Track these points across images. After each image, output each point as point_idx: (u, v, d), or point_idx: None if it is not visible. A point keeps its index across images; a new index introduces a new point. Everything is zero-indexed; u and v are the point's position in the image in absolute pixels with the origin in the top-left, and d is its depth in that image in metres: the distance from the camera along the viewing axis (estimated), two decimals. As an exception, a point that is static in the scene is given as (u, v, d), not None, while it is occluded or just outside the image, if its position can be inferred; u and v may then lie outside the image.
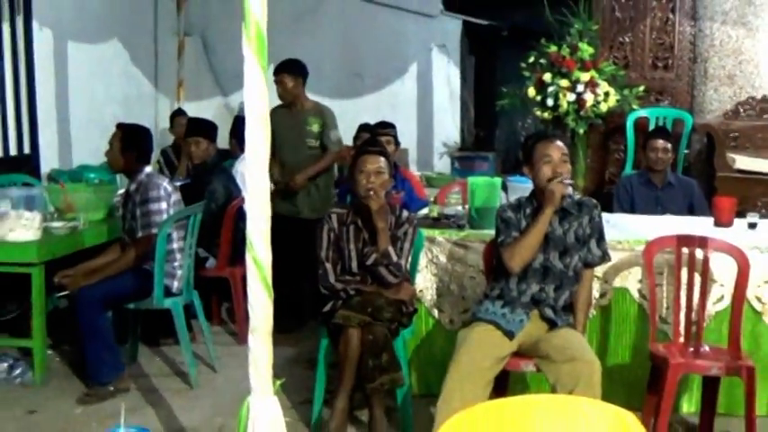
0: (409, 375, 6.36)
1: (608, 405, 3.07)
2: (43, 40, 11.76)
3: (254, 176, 4.17)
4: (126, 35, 13.69)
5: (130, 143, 7.37)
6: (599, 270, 6.20)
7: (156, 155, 12.31)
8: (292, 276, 8.33)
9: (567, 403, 3.29)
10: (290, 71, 8.81)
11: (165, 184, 7.40)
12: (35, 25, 11.51)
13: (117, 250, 7.45)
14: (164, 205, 7.22)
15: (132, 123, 7.74)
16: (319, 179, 9.12)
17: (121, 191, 7.83)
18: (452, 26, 15.01)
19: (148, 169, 7.37)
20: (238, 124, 10.08)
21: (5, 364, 7.39)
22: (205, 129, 9.12)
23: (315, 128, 8.98)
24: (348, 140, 10.57)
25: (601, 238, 5.81)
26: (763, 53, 10.22)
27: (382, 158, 6.35)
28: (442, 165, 14.59)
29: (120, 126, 7.57)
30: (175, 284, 7.32)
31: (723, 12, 10.23)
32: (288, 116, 8.92)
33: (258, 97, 4.12)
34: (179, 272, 7.33)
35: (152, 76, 14.44)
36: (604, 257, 5.89)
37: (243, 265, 4.39)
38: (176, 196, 7.47)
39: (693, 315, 6.05)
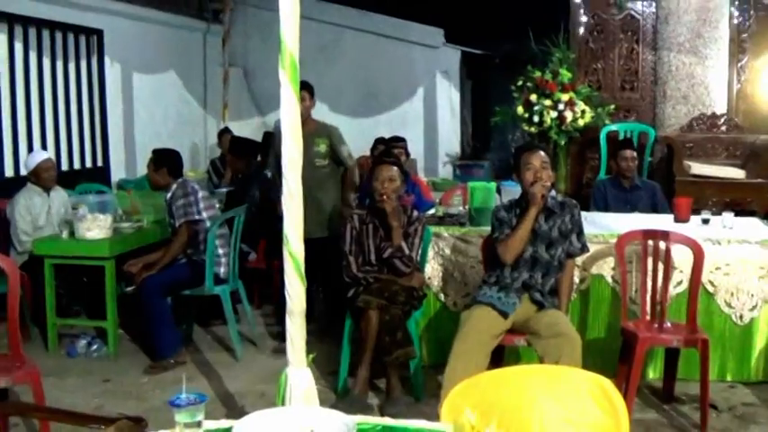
0: (420, 349, 6.34)
1: (588, 373, 3.05)
2: (113, 72, 11.87)
3: (289, 183, 4.15)
4: (180, 67, 13.76)
5: (161, 162, 7.43)
6: (579, 260, 6.17)
7: (206, 165, 12.38)
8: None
9: (555, 371, 3.28)
10: (309, 89, 7.76)
11: (191, 183, 7.48)
12: (107, 61, 11.63)
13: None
14: (192, 198, 7.27)
15: (162, 148, 7.80)
16: (325, 198, 7.88)
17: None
18: (453, 55, 15.01)
19: (179, 180, 7.41)
20: (267, 139, 10.09)
21: (84, 341, 7.43)
22: (246, 147, 9.16)
23: (322, 147, 7.82)
24: (366, 152, 10.58)
25: (580, 233, 5.80)
26: (711, 77, 10.20)
27: (395, 168, 6.36)
28: (446, 171, 14.59)
29: (153, 151, 7.68)
30: (222, 270, 7.35)
31: (678, 43, 10.20)
32: None
33: (292, 116, 4.10)
34: (223, 259, 7.35)
35: (201, 100, 14.48)
36: (583, 249, 5.87)
37: (280, 258, 4.37)
38: (204, 192, 7.53)
39: (657, 296, 6.03)
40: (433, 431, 2.78)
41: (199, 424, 2.75)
